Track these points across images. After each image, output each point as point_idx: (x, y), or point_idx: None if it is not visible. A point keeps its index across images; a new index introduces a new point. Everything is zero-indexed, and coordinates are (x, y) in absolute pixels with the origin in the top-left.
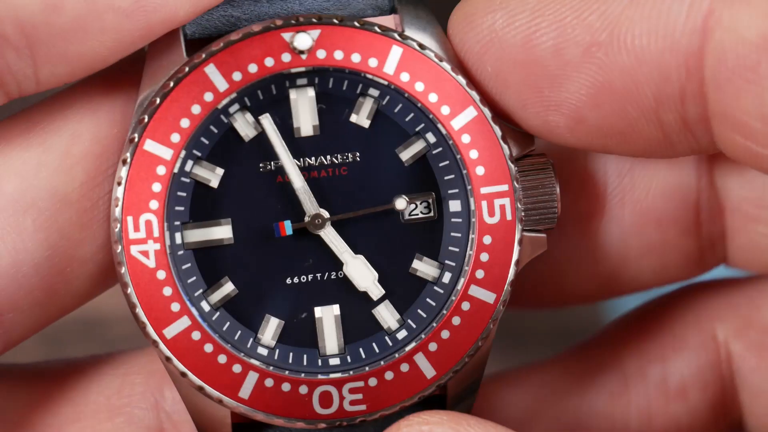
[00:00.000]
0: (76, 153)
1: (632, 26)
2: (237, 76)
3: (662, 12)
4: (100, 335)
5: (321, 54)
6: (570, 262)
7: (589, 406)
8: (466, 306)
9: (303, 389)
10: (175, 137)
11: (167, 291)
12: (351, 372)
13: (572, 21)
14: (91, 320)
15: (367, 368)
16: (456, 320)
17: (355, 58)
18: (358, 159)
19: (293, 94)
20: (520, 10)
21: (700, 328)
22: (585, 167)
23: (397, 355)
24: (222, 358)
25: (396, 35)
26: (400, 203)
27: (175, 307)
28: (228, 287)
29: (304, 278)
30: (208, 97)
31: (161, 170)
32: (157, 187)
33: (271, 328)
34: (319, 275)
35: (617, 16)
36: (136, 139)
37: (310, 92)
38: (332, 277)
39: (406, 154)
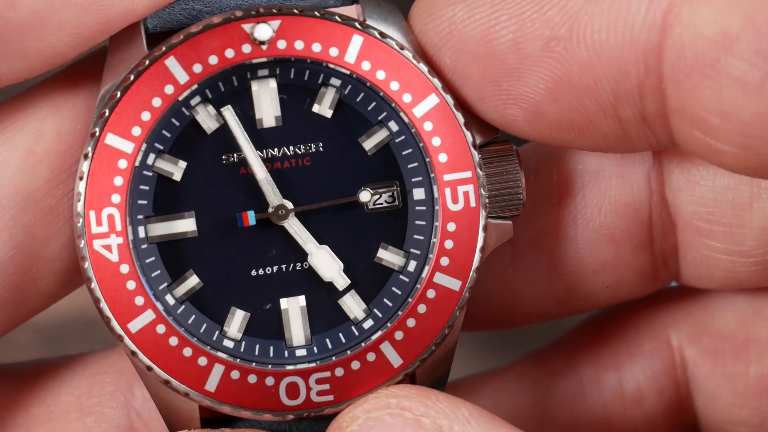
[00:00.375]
0: (40, 151)
1: (592, 21)
2: (197, 68)
3: (622, 8)
4: (100, 335)
5: (281, 44)
6: (525, 281)
7: (545, 413)
8: (431, 294)
9: (269, 381)
10: (136, 130)
11: (131, 285)
12: (317, 362)
13: (532, 15)
14: (91, 320)
15: (333, 358)
16: (421, 308)
17: (316, 47)
18: (321, 149)
19: (255, 86)
20: (480, 3)
21: (655, 335)
22: (537, 186)
23: (363, 345)
24: (187, 351)
25: (357, 24)
26: (364, 195)
27: (139, 300)
28: (193, 280)
29: (269, 270)
30: (169, 89)
31: (123, 164)
32: (118, 180)
33: (237, 321)
34: (284, 267)
35: (577, 11)
36: (98, 134)
37: (272, 83)
38: (297, 268)
39: (369, 143)
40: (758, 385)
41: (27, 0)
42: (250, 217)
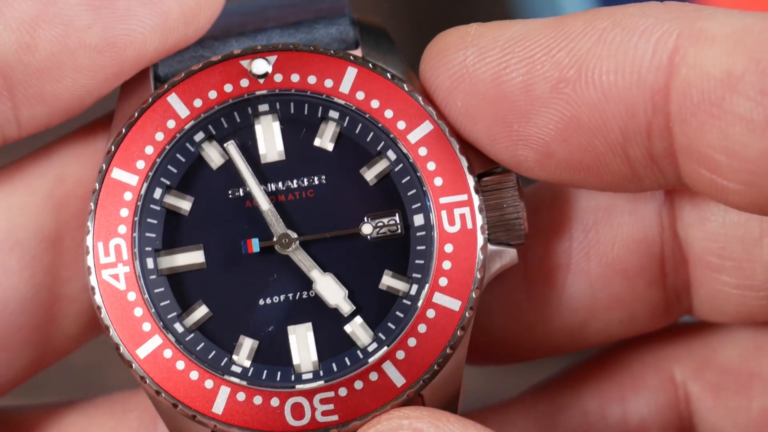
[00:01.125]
0: (60, 195)
1: (600, 63)
2: (197, 102)
3: (629, 49)
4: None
5: (278, 78)
6: (539, 316)
7: None
8: (431, 314)
9: (275, 402)
10: (140, 164)
11: (138, 312)
12: (322, 382)
13: (541, 58)
14: None
15: (337, 379)
16: (422, 328)
17: (311, 79)
18: (324, 181)
19: (257, 121)
20: (491, 47)
21: (659, 369)
22: (550, 222)
23: (365, 365)
24: (194, 375)
25: (351, 57)
26: (366, 228)
27: (147, 327)
28: (202, 310)
29: (276, 299)
30: (171, 124)
31: (128, 196)
32: (124, 212)
33: (245, 349)
34: (290, 295)
35: (585, 53)
36: (104, 169)
37: (274, 119)
38: (303, 296)
39: (370, 174)
40: (761, 420)
41: (43, 44)
42: (254, 245)
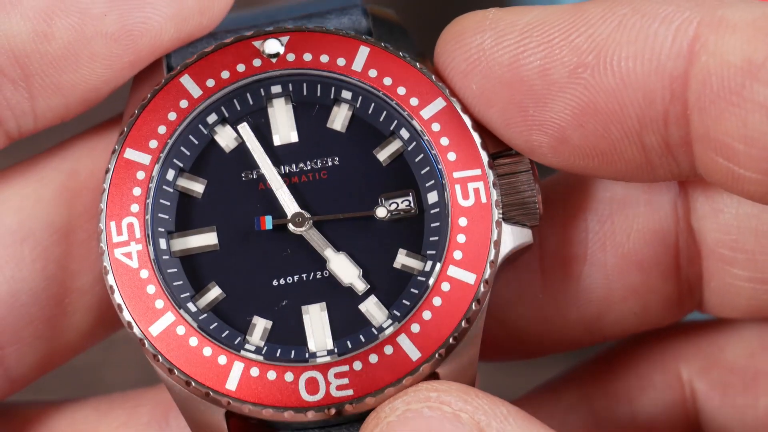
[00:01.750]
0: (73, 187)
1: (619, 49)
2: (210, 82)
3: (649, 36)
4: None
5: (291, 57)
6: (556, 307)
7: None
8: (446, 287)
9: (289, 376)
10: (153, 143)
11: (151, 289)
12: (336, 357)
13: (560, 42)
14: None
15: (352, 353)
16: (437, 301)
17: (324, 58)
18: (337, 163)
19: (270, 104)
20: (509, 30)
21: (665, 368)
22: (566, 213)
23: (380, 338)
24: (207, 351)
25: (363, 37)
26: (381, 211)
27: (159, 304)
28: (215, 291)
29: (290, 279)
30: (183, 104)
31: (141, 175)
32: (137, 191)
33: (259, 329)
34: (304, 275)
35: (604, 39)
36: (117, 150)
37: (287, 101)
38: (317, 276)
39: (383, 155)
40: (767, 418)
41: (60, 32)
42: (267, 222)
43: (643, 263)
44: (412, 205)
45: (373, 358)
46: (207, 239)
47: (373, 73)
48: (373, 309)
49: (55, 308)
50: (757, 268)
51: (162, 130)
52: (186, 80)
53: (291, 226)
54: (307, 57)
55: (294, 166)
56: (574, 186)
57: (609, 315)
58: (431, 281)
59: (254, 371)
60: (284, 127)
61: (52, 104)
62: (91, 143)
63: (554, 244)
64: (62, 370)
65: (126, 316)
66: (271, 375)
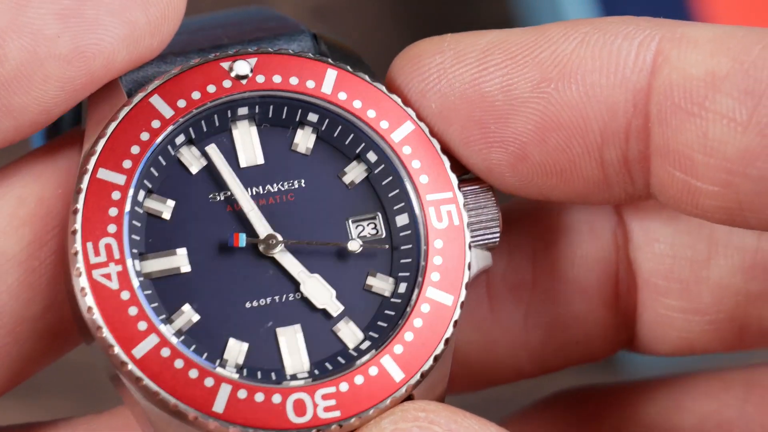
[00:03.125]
0: (22, 215)
1: (583, 63)
2: (181, 103)
3: (612, 51)
4: None
5: (260, 79)
6: (502, 331)
7: None
8: (425, 308)
9: (276, 398)
10: (127, 163)
11: (132, 311)
12: (322, 380)
13: (523, 59)
14: None
15: (336, 376)
16: (418, 322)
17: (293, 80)
18: (303, 185)
19: (234, 126)
20: (470, 49)
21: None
22: (513, 240)
23: (364, 359)
24: (193, 373)
25: (329, 60)
26: (353, 245)
27: (142, 326)
28: (189, 314)
29: (263, 301)
30: (155, 124)
31: (116, 195)
32: (113, 211)
33: (235, 352)
34: (277, 297)
35: (568, 55)
36: (89, 170)
37: (251, 123)
38: (290, 298)
39: (348, 178)
40: None
41: (13, 53)
42: (241, 239)
43: (586, 291)
44: (378, 227)
45: (359, 380)
46: (178, 261)
47: (342, 95)
48: (348, 330)
49: (7, 337)
50: (691, 299)
51: (135, 150)
52: (156, 100)
53: (262, 248)
54: (277, 79)
55: (261, 188)
56: (521, 213)
57: (553, 342)
58: (411, 302)
59: (242, 393)
60: (250, 149)
61: (2, 127)
62: (37, 169)
63: (501, 269)
64: (62, 370)
65: (107, 338)
66: (259, 397)
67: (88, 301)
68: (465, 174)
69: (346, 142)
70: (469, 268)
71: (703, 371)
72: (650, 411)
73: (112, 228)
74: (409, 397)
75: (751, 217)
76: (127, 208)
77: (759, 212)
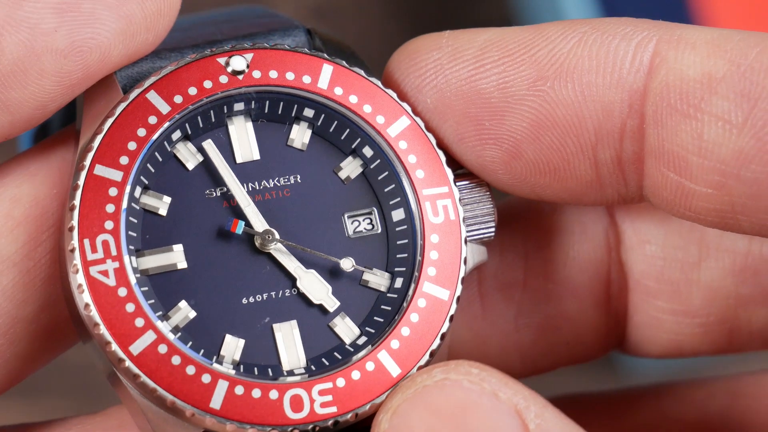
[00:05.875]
0: (17, 215)
1: (580, 62)
2: (178, 99)
3: (609, 51)
4: None
5: (257, 74)
6: (494, 330)
7: None
8: (422, 303)
9: (273, 394)
10: (124, 159)
11: (130, 307)
12: (319, 375)
13: (520, 57)
14: None
15: (333, 371)
16: (414, 317)
17: (290, 76)
18: (299, 181)
19: (230, 122)
20: (467, 46)
21: None
22: (505, 239)
23: (361, 354)
24: (190, 369)
25: (325, 55)
26: (346, 264)
27: (139, 322)
28: (186, 310)
29: (259, 297)
30: (152, 120)
31: (113, 191)
32: (110, 208)
33: (232, 348)
34: (273, 293)
35: (565, 54)
36: (86, 166)
37: (246, 118)
38: (287, 294)
39: (343, 173)
40: None
41: (9, 47)
42: (239, 226)
43: (577, 291)
44: (374, 222)
45: (356, 375)
46: (174, 257)
47: (338, 90)
48: (344, 326)
49: (1, 339)
50: (681, 301)
51: (132, 146)
52: (152, 96)
53: (259, 243)
54: (273, 74)
55: (257, 183)
56: (513, 213)
57: (543, 342)
58: (407, 297)
59: (239, 389)
60: (246, 145)
61: None
62: (31, 168)
63: (493, 268)
64: (60, 370)
65: (104, 335)
66: (256, 393)
67: (85, 297)
68: (459, 169)
69: (342, 138)
70: (465, 262)
71: (688, 380)
72: (637, 420)
73: (109, 224)
74: None
75: (744, 220)
76: (124, 204)
77: (751, 215)
